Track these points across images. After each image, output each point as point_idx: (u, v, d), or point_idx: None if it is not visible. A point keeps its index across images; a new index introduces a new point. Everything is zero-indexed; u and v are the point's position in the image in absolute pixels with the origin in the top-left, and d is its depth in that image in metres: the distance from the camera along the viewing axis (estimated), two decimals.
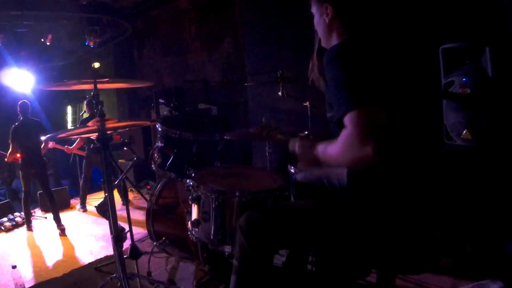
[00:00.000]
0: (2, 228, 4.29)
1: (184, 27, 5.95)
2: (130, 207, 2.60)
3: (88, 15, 5.92)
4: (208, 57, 5.62)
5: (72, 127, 7.78)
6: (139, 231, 3.56)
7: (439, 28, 2.68)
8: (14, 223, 4.40)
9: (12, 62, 6.09)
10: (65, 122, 8.85)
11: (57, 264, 3.28)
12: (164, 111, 4.36)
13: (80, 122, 5.65)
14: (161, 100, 4.13)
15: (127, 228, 2.23)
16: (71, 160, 6.48)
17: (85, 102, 5.36)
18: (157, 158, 2.50)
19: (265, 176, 2.12)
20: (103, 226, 4.16)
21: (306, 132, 2.43)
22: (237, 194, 1.81)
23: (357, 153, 1.09)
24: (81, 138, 4.97)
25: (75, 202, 5.35)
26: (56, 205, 4.26)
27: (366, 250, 1.34)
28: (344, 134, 1.13)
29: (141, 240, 3.33)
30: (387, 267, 1.39)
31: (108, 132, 1.93)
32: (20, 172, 4.35)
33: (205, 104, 5.15)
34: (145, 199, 2.85)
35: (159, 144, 2.48)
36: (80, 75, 7.48)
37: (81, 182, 5.21)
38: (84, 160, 5.18)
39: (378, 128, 1.09)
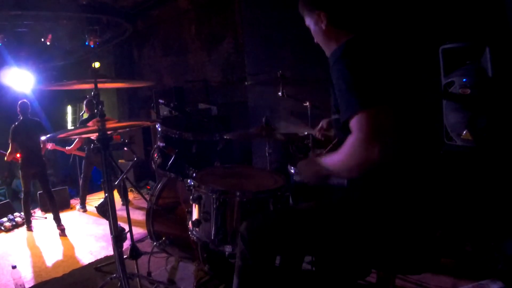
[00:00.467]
0: (2, 228, 4.29)
1: (184, 27, 5.95)
2: (130, 207, 2.60)
3: (88, 15, 5.92)
4: (208, 57, 5.62)
5: (72, 127, 7.77)
6: (139, 231, 3.56)
7: (439, 28, 2.68)
8: (14, 223, 4.40)
9: (12, 62, 6.09)
10: (65, 122, 8.85)
11: (57, 264, 3.27)
12: (164, 111, 4.36)
13: (79, 123, 5.64)
14: (161, 100, 4.12)
15: (127, 228, 2.23)
16: (71, 160, 6.48)
17: (84, 102, 5.35)
18: (157, 158, 2.50)
19: (265, 176, 2.12)
20: (103, 226, 4.16)
21: (306, 133, 2.43)
22: (238, 194, 1.81)
23: (364, 156, 1.09)
24: (79, 138, 4.97)
25: (75, 202, 5.35)
26: (56, 205, 4.26)
27: (366, 250, 1.34)
28: (351, 140, 1.14)
29: (141, 240, 3.33)
30: (387, 267, 1.39)
31: (108, 132, 1.93)
32: (20, 172, 4.35)
33: (205, 104, 5.16)
34: (145, 199, 2.85)
35: (160, 144, 2.48)
36: (80, 75, 7.47)
37: (80, 182, 5.21)
38: (83, 161, 5.18)
39: (384, 130, 1.09)
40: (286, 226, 1.42)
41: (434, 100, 2.48)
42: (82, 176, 5.17)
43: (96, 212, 2.29)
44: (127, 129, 2.62)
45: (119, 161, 5.82)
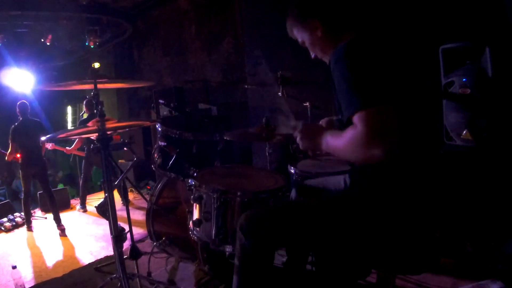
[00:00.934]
0: (2, 228, 4.29)
1: (184, 27, 5.95)
2: (130, 207, 2.60)
3: (88, 15, 5.92)
4: (208, 57, 5.62)
5: (72, 127, 7.78)
6: (139, 231, 3.56)
7: (439, 28, 2.68)
8: (14, 223, 4.40)
9: (12, 62, 6.09)
10: (65, 122, 8.86)
11: (57, 264, 3.27)
12: (164, 111, 4.36)
13: (79, 123, 5.64)
14: (161, 100, 4.13)
15: (127, 228, 2.23)
16: (71, 160, 6.48)
17: (84, 102, 5.36)
18: (157, 158, 2.50)
19: (265, 176, 2.12)
20: (103, 226, 4.16)
21: None
22: (238, 194, 1.81)
23: (366, 153, 1.08)
24: (79, 139, 4.97)
25: (75, 202, 5.35)
26: (56, 205, 4.26)
27: (366, 249, 1.34)
28: (353, 132, 1.12)
29: (141, 240, 3.33)
30: (387, 267, 1.39)
31: (108, 132, 1.93)
32: (20, 172, 4.36)
33: (205, 104, 5.16)
34: (145, 199, 2.84)
35: (160, 143, 2.48)
36: (80, 75, 7.47)
37: (80, 183, 5.21)
38: (83, 161, 5.19)
39: (387, 128, 1.08)
40: (285, 215, 1.42)
41: (434, 100, 2.48)
42: (82, 176, 5.18)
43: (96, 212, 2.29)
44: (127, 129, 2.62)
45: (119, 161, 5.81)
